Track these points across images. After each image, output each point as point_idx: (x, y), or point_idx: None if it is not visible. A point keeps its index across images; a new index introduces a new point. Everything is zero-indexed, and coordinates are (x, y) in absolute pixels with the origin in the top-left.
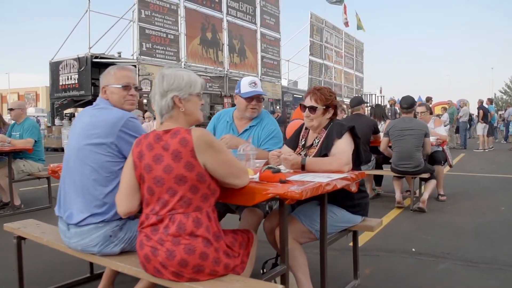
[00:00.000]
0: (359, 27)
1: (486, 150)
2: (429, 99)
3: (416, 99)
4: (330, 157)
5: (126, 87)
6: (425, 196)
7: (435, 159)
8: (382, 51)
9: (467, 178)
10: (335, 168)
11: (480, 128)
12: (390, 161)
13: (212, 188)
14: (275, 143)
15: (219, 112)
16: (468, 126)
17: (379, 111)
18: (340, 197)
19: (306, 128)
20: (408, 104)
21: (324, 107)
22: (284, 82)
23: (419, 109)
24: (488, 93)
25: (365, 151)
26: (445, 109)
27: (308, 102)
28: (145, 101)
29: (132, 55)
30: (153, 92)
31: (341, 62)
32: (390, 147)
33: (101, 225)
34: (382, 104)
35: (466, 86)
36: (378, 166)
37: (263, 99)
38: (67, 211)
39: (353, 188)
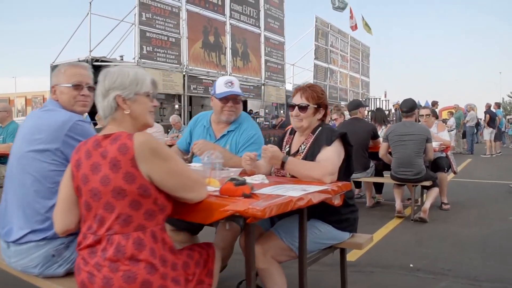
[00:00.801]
0: (366, 30)
1: (494, 156)
2: (435, 103)
3: (423, 104)
4: (314, 163)
5: (77, 87)
6: (427, 205)
7: (438, 165)
8: (388, 55)
9: (473, 185)
10: (316, 176)
11: (487, 133)
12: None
13: (159, 204)
14: (254, 149)
15: (196, 115)
16: (475, 130)
17: (380, 115)
18: (325, 211)
19: (290, 133)
20: (408, 107)
21: (316, 106)
22: (289, 87)
23: (422, 111)
24: (496, 97)
25: (364, 157)
26: (451, 113)
27: (298, 99)
28: None
29: (134, 58)
30: (96, 93)
31: (347, 66)
32: (390, 153)
33: (42, 243)
34: (387, 109)
35: (474, 90)
36: (378, 173)
37: (241, 101)
38: (6, 227)
39: (337, 202)
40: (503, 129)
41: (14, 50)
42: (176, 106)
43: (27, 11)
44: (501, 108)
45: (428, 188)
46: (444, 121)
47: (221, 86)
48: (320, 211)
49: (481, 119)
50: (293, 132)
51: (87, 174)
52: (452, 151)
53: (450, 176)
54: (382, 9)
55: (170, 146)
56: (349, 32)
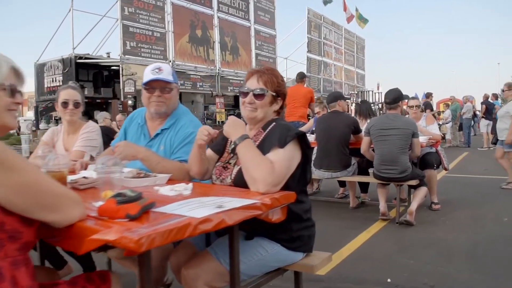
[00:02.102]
0: (358, 23)
1: (491, 148)
2: (429, 95)
3: (420, 97)
4: (267, 162)
5: None
6: (413, 206)
7: (426, 162)
8: (383, 46)
9: (468, 180)
10: (255, 176)
11: (484, 125)
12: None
13: (8, 230)
14: (190, 151)
15: (133, 111)
16: (472, 122)
17: (364, 108)
18: (273, 228)
19: None
20: (391, 98)
21: (274, 94)
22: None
23: (411, 102)
24: (494, 89)
25: (344, 154)
26: (447, 105)
27: (254, 84)
28: (130, 102)
29: (119, 54)
30: None
31: (341, 59)
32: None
33: None
34: (380, 101)
35: (472, 82)
36: (362, 171)
37: (173, 91)
38: None
39: (276, 217)
40: None
41: (6, 50)
42: None
43: (22, 14)
44: (499, 99)
45: (415, 187)
46: (438, 113)
47: (147, 73)
48: (267, 227)
49: (478, 110)
50: None
51: None
52: (449, 144)
53: (442, 172)
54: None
55: None
56: (343, 24)
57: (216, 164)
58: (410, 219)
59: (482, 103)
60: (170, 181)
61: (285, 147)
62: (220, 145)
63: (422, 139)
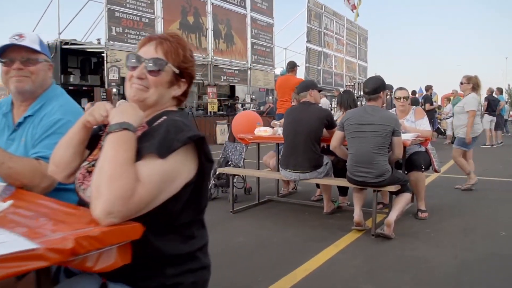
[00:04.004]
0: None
1: (494, 146)
2: (429, 88)
3: (424, 91)
4: (129, 177)
5: None
6: (392, 217)
7: (413, 163)
8: (387, 37)
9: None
10: (105, 193)
11: (487, 121)
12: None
13: None
14: (53, 144)
15: (3, 98)
16: None
17: (346, 99)
18: (135, 271)
19: None
20: (370, 87)
21: (177, 72)
22: (280, 71)
23: (399, 93)
24: (502, 83)
25: (313, 152)
26: (448, 100)
27: (150, 53)
28: (114, 90)
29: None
30: None
31: (343, 50)
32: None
33: None
34: None
35: (478, 76)
36: (339, 172)
37: (40, 62)
38: None
39: (102, 265)
40: (505, 117)
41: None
42: None
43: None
44: (504, 94)
45: (396, 193)
46: (440, 107)
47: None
48: (127, 270)
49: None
50: None
51: None
52: (449, 141)
53: (434, 175)
54: None
55: None
56: (345, 15)
57: (82, 163)
58: (388, 232)
59: (485, 98)
60: (11, 197)
61: (166, 158)
62: (93, 137)
63: (408, 136)
